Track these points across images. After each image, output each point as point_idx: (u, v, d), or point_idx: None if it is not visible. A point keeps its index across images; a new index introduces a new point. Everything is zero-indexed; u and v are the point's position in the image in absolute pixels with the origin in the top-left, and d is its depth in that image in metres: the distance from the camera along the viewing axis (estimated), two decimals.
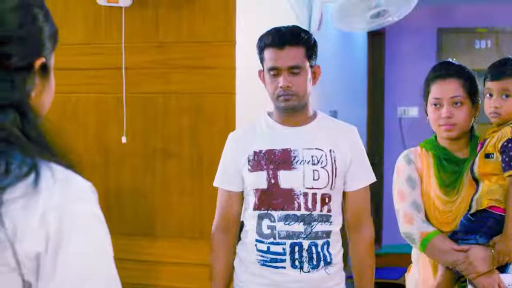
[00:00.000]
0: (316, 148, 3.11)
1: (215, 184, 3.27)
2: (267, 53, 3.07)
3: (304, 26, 4.87)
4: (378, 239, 8.01)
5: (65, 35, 4.13)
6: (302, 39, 3.07)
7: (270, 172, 3.09)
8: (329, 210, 3.11)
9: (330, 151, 3.11)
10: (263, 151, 3.12)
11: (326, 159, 3.10)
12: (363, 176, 3.21)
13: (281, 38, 3.05)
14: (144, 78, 4.12)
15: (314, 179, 3.07)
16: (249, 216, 3.18)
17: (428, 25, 8.41)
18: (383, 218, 7.93)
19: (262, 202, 3.11)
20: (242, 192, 3.23)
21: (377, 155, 8.29)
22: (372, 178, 3.24)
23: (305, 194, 3.07)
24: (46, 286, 1.25)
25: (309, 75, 3.10)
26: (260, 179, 3.11)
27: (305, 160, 3.09)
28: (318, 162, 3.09)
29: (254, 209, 3.14)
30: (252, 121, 3.28)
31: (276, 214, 3.08)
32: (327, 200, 3.10)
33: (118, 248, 4.42)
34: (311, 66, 3.11)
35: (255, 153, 3.14)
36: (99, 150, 4.19)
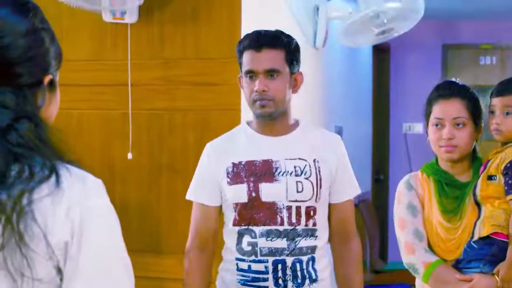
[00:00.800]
0: (299, 158, 2.93)
1: (188, 197, 3.12)
2: (245, 56, 2.93)
3: (309, 42, 4.88)
4: (384, 255, 7.99)
5: (71, 51, 4.15)
6: (282, 42, 2.91)
7: (251, 184, 2.89)
8: (314, 224, 2.92)
9: (314, 161, 2.93)
10: (242, 163, 2.93)
11: (310, 170, 2.91)
12: (349, 187, 3.05)
13: (259, 40, 2.91)
14: (149, 95, 4.13)
15: (297, 191, 2.88)
16: (228, 233, 3.00)
17: (433, 41, 8.43)
18: (388, 234, 7.91)
19: (243, 217, 2.92)
20: (219, 207, 3.03)
21: (382, 171, 8.29)
22: (358, 190, 3.10)
23: (289, 208, 2.88)
24: (72, 268, 1.48)
25: (288, 81, 2.92)
26: (240, 193, 2.90)
27: (288, 171, 2.90)
28: (302, 173, 2.90)
29: (234, 224, 2.95)
30: (231, 131, 3.13)
31: (258, 229, 2.89)
32: (312, 213, 2.91)
33: None
34: (291, 72, 2.94)
35: (234, 164, 2.95)
36: (105, 166, 4.19)
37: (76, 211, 1.49)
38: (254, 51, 2.90)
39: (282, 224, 2.88)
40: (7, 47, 1.53)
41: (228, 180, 2.94)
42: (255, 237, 2.89)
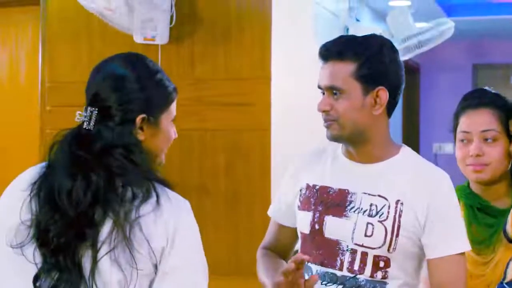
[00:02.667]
0: (379, 195, 2.35)
1: (268, 212, 2.67)
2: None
3: None
4: None
5: None
6: (351, 52, 2.34)
7: (317, 215, 2.40)
8: (384, 277, 2.33)
9: (397, 202, 2.33)
10: (317, 187, 2.44)
11: (388, 212, 2.32)
12: (447, 240, 2.32)
13: (328, 48, 2.38)
14: (180, 115, 4.10)
15: (366, 235, 2.33)
16: None
17: (463, 61, 8.40)
18: None
19: (303, 250, 2.46)
20: (296, 229, 2.54)
21: None
22: (462, 247, 2.33)
23: (353, 252, 2.35)
24: (165, 264, 1.93)
25: (360, 100, 2.33)
26: (304, 221, 2.44)
27: (361, 208, 2.36)
28: (377, 214, 2.34)
29: None
30: (326, 145, 2.55)
31: (315, 268, 2.41)
32: (382, 265, 2.33)
33: None
34: (366, 90, 2.34)
35: (308, 186, 2.47)
36: None
37: (171, 224, 1.94)
38: (322, 63, 2.40)
39: (341, 268, 2.37)
40: (106, 98, 2.00)
41: (299, 203, 2.49)
42: None
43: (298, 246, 2.57)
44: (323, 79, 2.36)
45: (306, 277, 2.32)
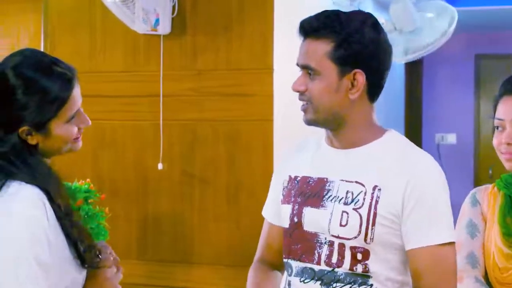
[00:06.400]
0: (356, 182, 2.16)
1: (262, 212, 2.51)
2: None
3: None
4: None
5: (104, 62, 4.18)
6: (329, 29, 2.15)
7: (296, 207, 2.23)
8: (365, 270, 2.13)
9: (374, 188, 2.14)
10: (298, 178, 2.29)
11: (364, 199, 2.13)
12: (427, 229, 2.10)
13: (305, 24, 2.22)
14: (181, 106, 4.14)
15: (341, 225, 2.14)
16: None
17: (465, 51, 8.39)
18: None
19: (285, 246, 2.29)
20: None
21: None
22: (445, 237, 2.10)
23: (330, 244, 2.16)
24: None
25: (335, 82, 2.16)
26: (285, 215, 2.28)
27: (338, 197, 2.17)
28: (352, 201, 2.14)
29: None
30: (312, 137, 2.40)
31: (294, 265, 2.24)
32: (360, 257, 2.13)
33: (154, 275, 4.43)
34: (342, 72, 2.15)
35: (290, 179, 2.32)
36: (137, 176, 4.21)
37: None
38: (301, 39, 2.24)
39: (318, 262, 2.19)
40: None
41: (282, 197, 2.33)
42: (291, 275, 2.26)
43: None
44: (300, 57, 2.22)
45: (287, 275, 2.26)
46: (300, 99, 2.23)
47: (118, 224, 4.07)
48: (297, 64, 2.24)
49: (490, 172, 7.67)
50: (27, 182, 2.01)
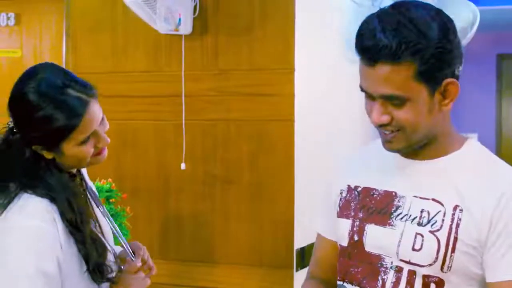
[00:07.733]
0: (433, 200, 1.89)
1: (316, 229, 2.29)
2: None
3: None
4: None
5: (126, 63, 4.20)
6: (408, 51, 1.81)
7: (357, 222, 1.99)
8: None
9: (455, 208, 1.86)
10: (359, 189, 2.04)
11: (443, 221, 1.86)
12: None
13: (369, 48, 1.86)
14: (203, 106, 4.14)
15: (413, 249, 1.87)
16: None
17: (487, 51, 8.35)
18: None
19: (340, 266, 2.05)
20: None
21: None
22: None
23: (398, 270, 1.90)
24: None
25: (426, 103, 1.89)
26: (342, 231, 2.04)
27: (410, 216, 1.91)
28: (428, 222, 1.87)
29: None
30: (376, 140, 2.07)
31: None
32: (432, 287, 1.86)
33: (176, 274, 4.43)
34: (433, 89, 1.89)
35: (349, 189, 2.07)
36: (159, 176, 4.22)
37: None
38: (365, 62, 1.89)
39: None
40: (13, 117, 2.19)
41: (338, 209, 2.10)
42: None
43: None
44: (374, 85, 1.85)
45: None
46: (383, 129, 1.93)
47: (140, 224, 4.09)
48: (366, 91, 1.91)
49: None
50: (37, 195, 2.06)
